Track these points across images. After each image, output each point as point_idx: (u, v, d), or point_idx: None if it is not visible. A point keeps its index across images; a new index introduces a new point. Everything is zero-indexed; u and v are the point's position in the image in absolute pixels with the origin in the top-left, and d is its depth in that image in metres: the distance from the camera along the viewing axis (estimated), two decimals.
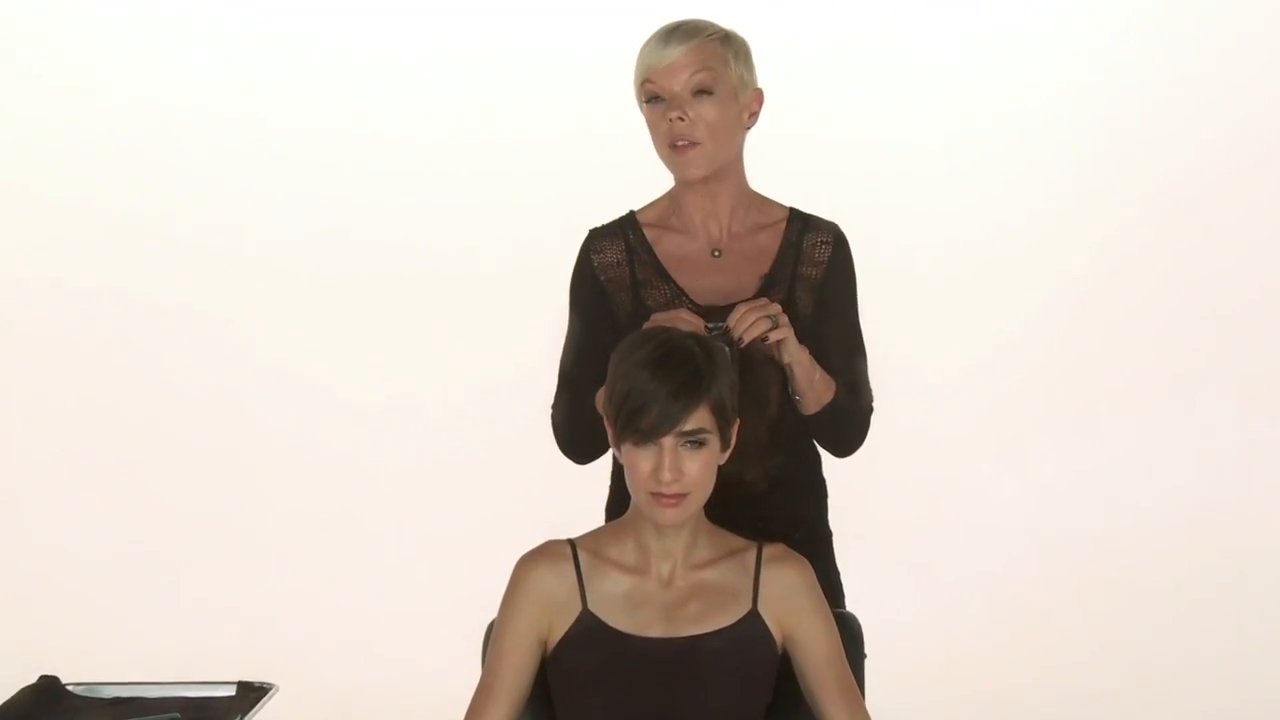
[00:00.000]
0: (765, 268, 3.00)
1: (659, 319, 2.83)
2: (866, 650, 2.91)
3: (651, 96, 2.93)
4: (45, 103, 5.16)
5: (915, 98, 5.12)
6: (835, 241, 3.03)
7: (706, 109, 2.91)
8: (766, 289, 2.97)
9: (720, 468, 2.67)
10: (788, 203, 3.08)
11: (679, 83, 2.91)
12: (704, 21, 2.96)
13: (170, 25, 5.15)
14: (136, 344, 5.13)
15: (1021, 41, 5.15)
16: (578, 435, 3.00)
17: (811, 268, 3.01)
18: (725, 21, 2.98)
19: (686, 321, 2.80)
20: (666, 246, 3.02)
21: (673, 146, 2.94)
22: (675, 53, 2.91)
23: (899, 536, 4.89)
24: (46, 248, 5.14)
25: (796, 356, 2.87)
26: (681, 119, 2.91)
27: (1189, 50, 5.12)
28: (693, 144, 2.92)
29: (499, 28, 5.11)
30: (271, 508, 5.09)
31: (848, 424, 3.01)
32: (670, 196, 3.05)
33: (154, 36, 5.15)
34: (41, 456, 5.12)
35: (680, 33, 2.93)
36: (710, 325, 2.80)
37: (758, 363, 2.81)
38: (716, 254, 3.01)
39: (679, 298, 2.96)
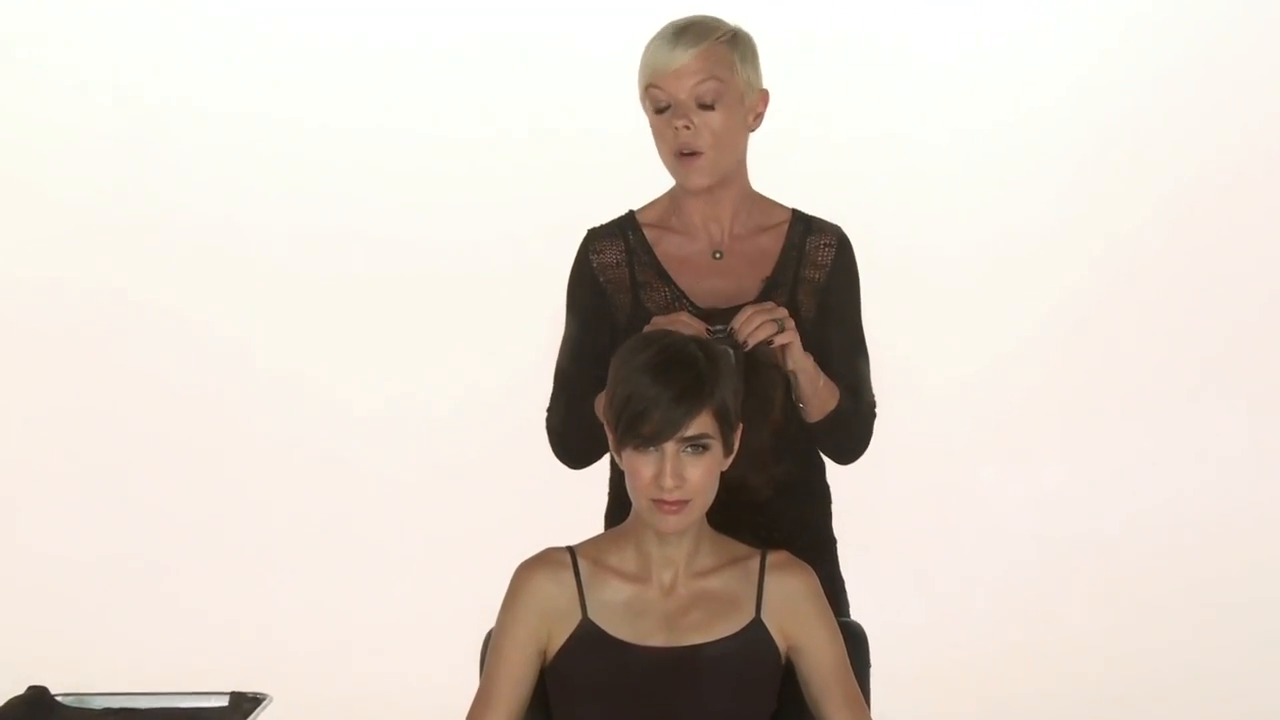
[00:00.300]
0: (767, 270, 2.97)
1: (659, 322, 2.80)
2: (871, 659, 2.87)
3: (657, 101, 2.89)
4: (42, 100, 5.13)
5: (921, 97, 5.11)
6: (839, 244, 3.00)
7: (713, 117, 2.87)
8: (768, 292, 2.93)
9: (723, 473, 2.63)
10: (790, 204, 3.04)
11: (685, 90, 2.86)
12: (711, 21, 2.91)
13: (169, 22, 5.13)
14: (129, 345, 5.10)
15: (1031, 40, 5.13)
16: (575, 439, 2.96)
17: (814, 270, 2.98)
18: (730, 18, 2.93)
19: (686, 324, 2.76)
20: (667, 248, 2.98)
21: (678, 155, 2.90)
22: (683, 58, 2.86)
23: (903, 543, 4.87)
24: (38, 247, 5.12)
25: (801, 364, 2.83)
26: (688, 127, 2.87)
27: (1202, 51, 5.10)
28: (698, 153, 2.88)
29: (497, 25, 5.09)
30: (265, 513, 5.07)
31: (851, 431, 2.97)
32: (671, 196, 3.02)
33: (152, 33, 5.13)
34: (32, 460, 5.09)
35: (688, 36, 2.87)
36: (713, 328, 2.76)
37: (761, 366, 2.77)
38: (718, 256, 2.98)
39: (679, 300, 2.93)
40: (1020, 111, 5.11)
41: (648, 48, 2.90)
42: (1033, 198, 5.12)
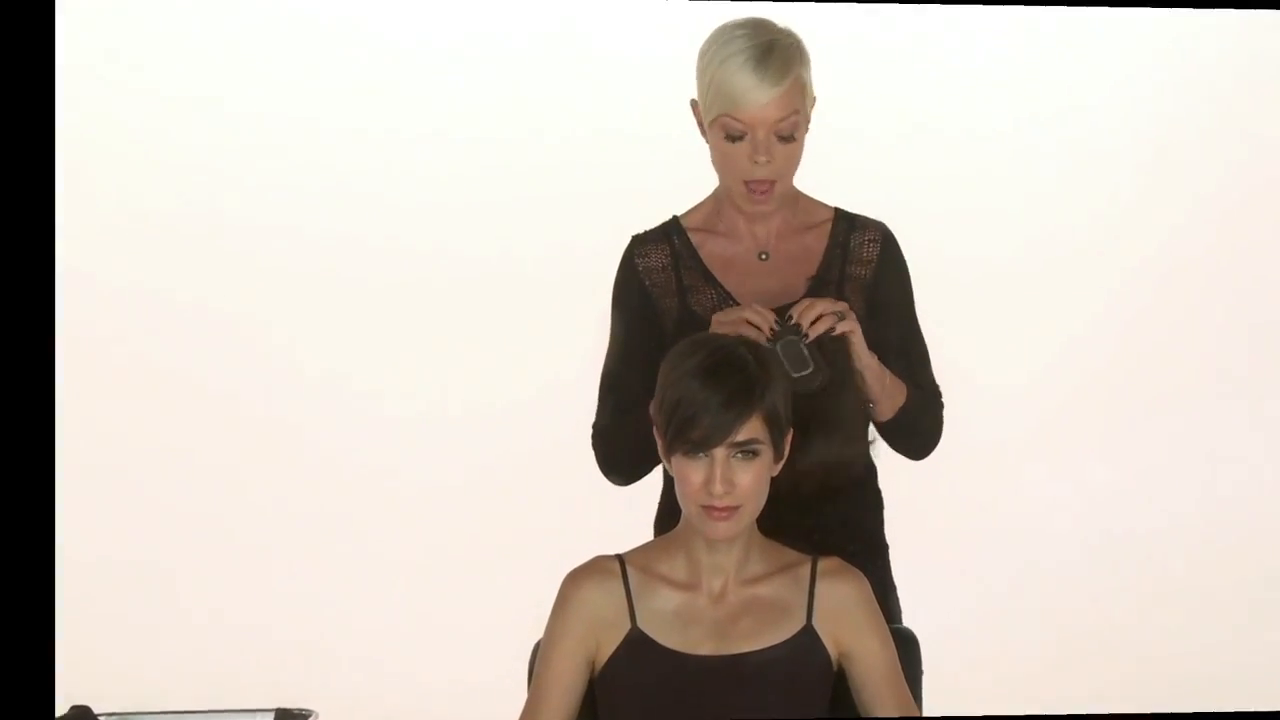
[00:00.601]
0: (812, 269, 2.95)
1: (729, 313, 2.78)
2: (923, 665, 2.85)
3: (731, 130, 2.83)
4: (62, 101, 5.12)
5: (969, 95, 5.07)
6: (883, 239, 2.98)
7: (790, 148, 2.84)
8: (815, 290, 2.91)
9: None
10: (834, 204, 3.01)
11: (766, 125, 2.81)
12: (785, 43, 2.83)
13: (186, 17, 5.11)
14: (175, 351, 5.09)
15: (1082, 36, 5.09)
16: (621, 444, 2.93)
17: (860, 267, 2.96)
18: (779, 19, 2.86)
19: (756, 313, 2.75)
20: (712, 249, 2.96)
21: (748, 183, 2.86)
22: (770, 93, 2.79)
23: (952, 548, 4.84)
24: (51, 245, 5.10)
25: (866, 361, 2.81)
26: (769, 162, 2.83)
27: (1255, 52, 5.05)
28: (771, 183, 2.85)
29: (532, 22, 5.07)
30: (311, 527, 5.05)
31: (923, 424, 2.95)
32: (715, 199, 2.99)
33: (166, 29, 5.11)
34: (80, 471, 5.07)
35: (773, 67, 2.79)
36: (781, 319, 2.75)
37: (830, 344, 2.75)
38: (763, 257, 2.96)
39: (726, 301, 2.91)
40: (1068, 110, 5.08)
41: (722, 69, 2.82)
42: (1081, 198, 5.08)
